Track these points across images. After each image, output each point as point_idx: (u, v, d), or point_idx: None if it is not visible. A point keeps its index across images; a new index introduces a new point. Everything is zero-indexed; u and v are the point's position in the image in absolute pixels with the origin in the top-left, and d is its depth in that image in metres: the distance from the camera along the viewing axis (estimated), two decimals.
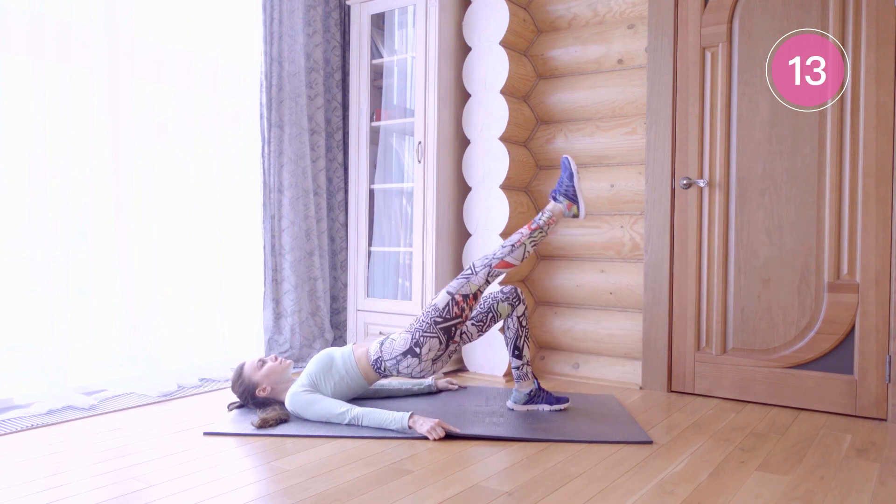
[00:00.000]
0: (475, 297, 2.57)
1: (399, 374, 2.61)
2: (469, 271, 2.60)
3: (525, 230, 2.63)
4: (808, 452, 2.31)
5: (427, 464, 2.14)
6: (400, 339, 2.59)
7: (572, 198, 2.63)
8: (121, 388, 2.97)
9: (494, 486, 1.95)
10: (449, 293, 2.57)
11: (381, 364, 2.60)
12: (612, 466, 2.14)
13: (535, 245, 2.61)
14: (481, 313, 2.74)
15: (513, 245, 2.60)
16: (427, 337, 2.53)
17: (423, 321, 2.56)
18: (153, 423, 2.56)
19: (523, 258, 2.60)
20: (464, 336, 2.72)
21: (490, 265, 2.58)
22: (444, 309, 2.55)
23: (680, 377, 3.18)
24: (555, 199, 2.67)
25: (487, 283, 2.60)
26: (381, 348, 2.62)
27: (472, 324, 2.74)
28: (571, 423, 2.59)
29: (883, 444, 2.41)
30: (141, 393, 2.97)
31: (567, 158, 2.65)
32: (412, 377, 2.61)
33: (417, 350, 2.53)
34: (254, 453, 2.22)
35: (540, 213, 2.64)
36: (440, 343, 2.53)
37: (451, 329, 2.54)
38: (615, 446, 2.35)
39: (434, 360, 2.56)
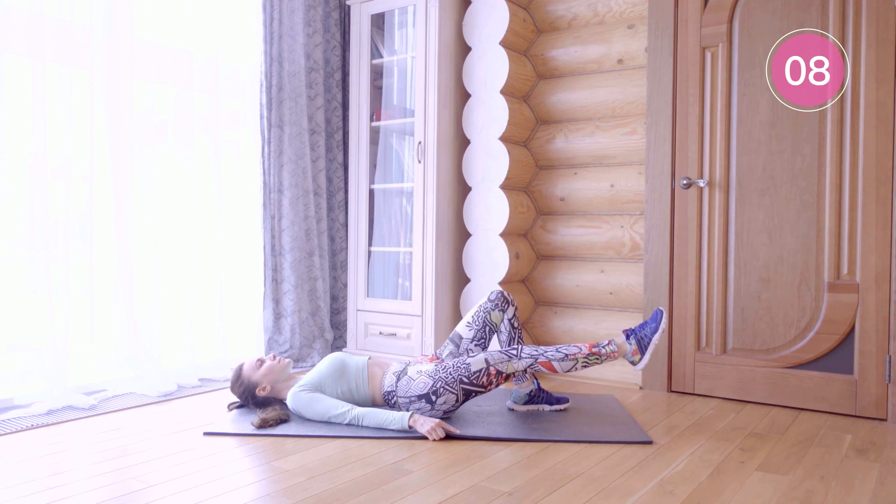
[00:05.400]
0: (507, 378, 2.54)
1: (408, 410, 2.59)
2: (514, 352, 2.54)
3: (584, 348, 2.54)
4: (808, 452, 2.31)
5: (427, 464, 2.14)
6: (419, 381, 2.54)
7: (643, 349, 2.54)
8: (121, 388, 2.97)
9: (494, 486, 1.95)
10: (486, 361, 2.52)
11: (392, 397, 2.59)
12: (612, 466, 2.14)
13: (585, 367, 2.54)
14: (479, 330, 2.74)
15: (566, 355, 2.53)
16: (447, 391, 2.51)
17: (450, 374, 2.51)
18: (153, 423, 2.56)
19: (568, 371, 2.54)
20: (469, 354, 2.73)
21: (536, 360, 2.52)
22: (474, 374, 2.51)
23: (680, 377, 3.18)
24: (627, 338, 2.57)
25: (525, 373, 2.57)
26: (396, 383, 2.58)
27: (476, 344, 2.73)
28: (571, 423, 2.59)
29: (883, 444, 2.41)
30: (141, 393, 2.97)
31: (662, 312, 2.56)
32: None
33: (434, 399, 2.51)
34: (254, 453, 2.22)
35: (607, 342, 2.55)
36: (456, 400, 2.52)
37: (471, 393, 2.53)
38: (615, 446, 2.35)
39: (445, 411, 2.55)
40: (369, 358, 2.72)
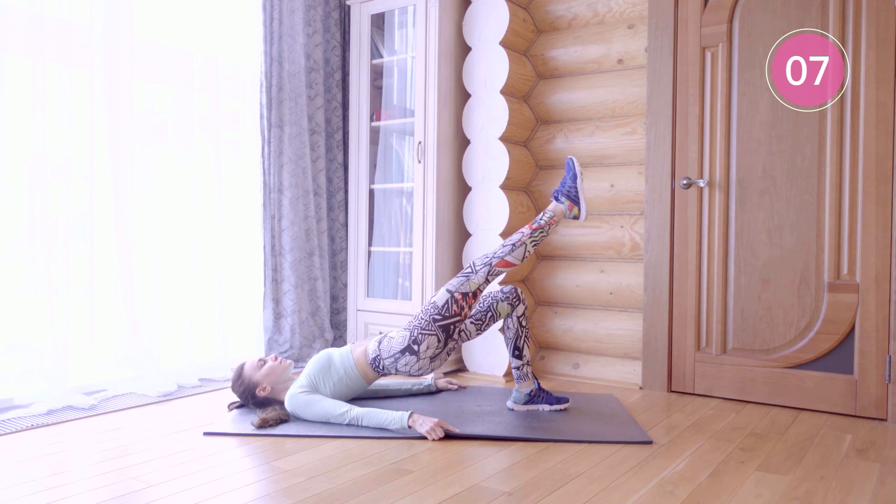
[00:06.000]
0: (474, 295, 2.57)
1: (398, 371, 2.61)
2: (469, 269, 2.60)
3: (526, 230, 2.63)
4: (808, 452, 2.31)
5: (427, 464, 2.14)
6: (398, 337, 2.59)
7: (574, 199, 2.64)
8: (121, 388, 2.97)
9: (494, 486, 1.95)
10: (448, 291, 2.57)
11: (379, 362, 2.61)
12: (612, 466, 2.14)
13: (535, 245, 2.61)
14: (481, 312, 2.74)
15: (513, 244, 2.60)
16: (425, 335, 2.53)
17: (422, 319, 2.56)
18: (153, 423, 2.56)
19: (524, 258, 2.60)
20: (462, 334, 2.72)
21: (490, 264, 2.59)
22: (443, 307, 2.55)
23: (680, 377, 3.18)
24: (556, 199, 2.67)
25: (487, 281, 2.60)
26: (379, 347, 2.62)
27: (472, 322, 2.74)
28: (571, 423, 2.59)
29: (883, 444, 2.41)
30: (141, 393, 2.97)
31: (571, 159, 2.65)
32: (411, 375, 2.61)
33: (416, 348, 2.53)
34: (254, 453, 2.22)
35: (541, 214, 2.64)
36: (438, 341, 2.54)
37: (449, 327, 2.54)
38: (615, 446, 2.35)
39: (432, 358, 2.56)
40: (353, 343, 2.73)
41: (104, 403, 2.81)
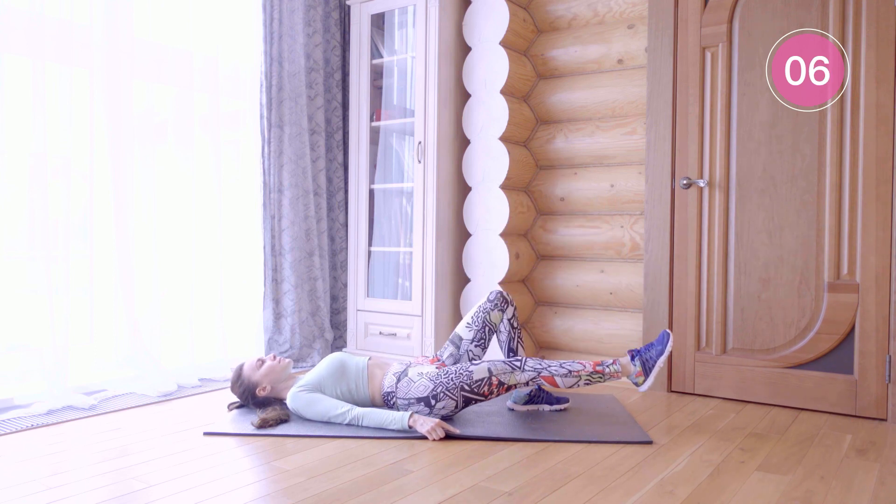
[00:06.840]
0: (508, 389, 2.53)
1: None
2: (518, 363, 2.52)
3: (588, 365, 2.52)
4: (808, 452, 2.31)
5: (427, 464, 2.14)
6: (419, 384, 2.54)
7: (647, 370, 2.52)
8: (121, 388, 2.97)
9: (494, 486, 1.95)
10: (489, 370, 2.50)
11: (392, 398, 2.58)
12: (612, 466, 2.14)
13: (588, 384, 2.52)
14: (479, 331, 2.73)
15: (570, 371, 2.50)
16: (447, 396, 2.50)
17: (452, 379, 2.50)
18: (153, 423, 2.56)
19: (571, 387, 2.52)
20: (473, 360, 2.72)
21: (539, 373, 2.50)
22: (476, 382, 2.49)
23: (680, 377, 3.18)
24: (632, 358, 2.55)
25: (527, 385, 2.52)
26: (396, 384, 2.58)
27: (475, 345, 2.72)
28: (571, 423, 2.59)
29: (883, 444, 2.41)
30: (141, 393, 2.97)
31: (668, 334, 2.54)
32: None
33: (433, 402, 2.51)
34: (254, 453, 2.22)
35: (611, 361, 2.54)
36: (456, 407, 2.52)
37: (471, 401, 2.52)
38: (615, 446, 2.35)
39: (443, 416, 2.55)
40: (369, 358, 2.71)
41: (104, 403, 2.81)
